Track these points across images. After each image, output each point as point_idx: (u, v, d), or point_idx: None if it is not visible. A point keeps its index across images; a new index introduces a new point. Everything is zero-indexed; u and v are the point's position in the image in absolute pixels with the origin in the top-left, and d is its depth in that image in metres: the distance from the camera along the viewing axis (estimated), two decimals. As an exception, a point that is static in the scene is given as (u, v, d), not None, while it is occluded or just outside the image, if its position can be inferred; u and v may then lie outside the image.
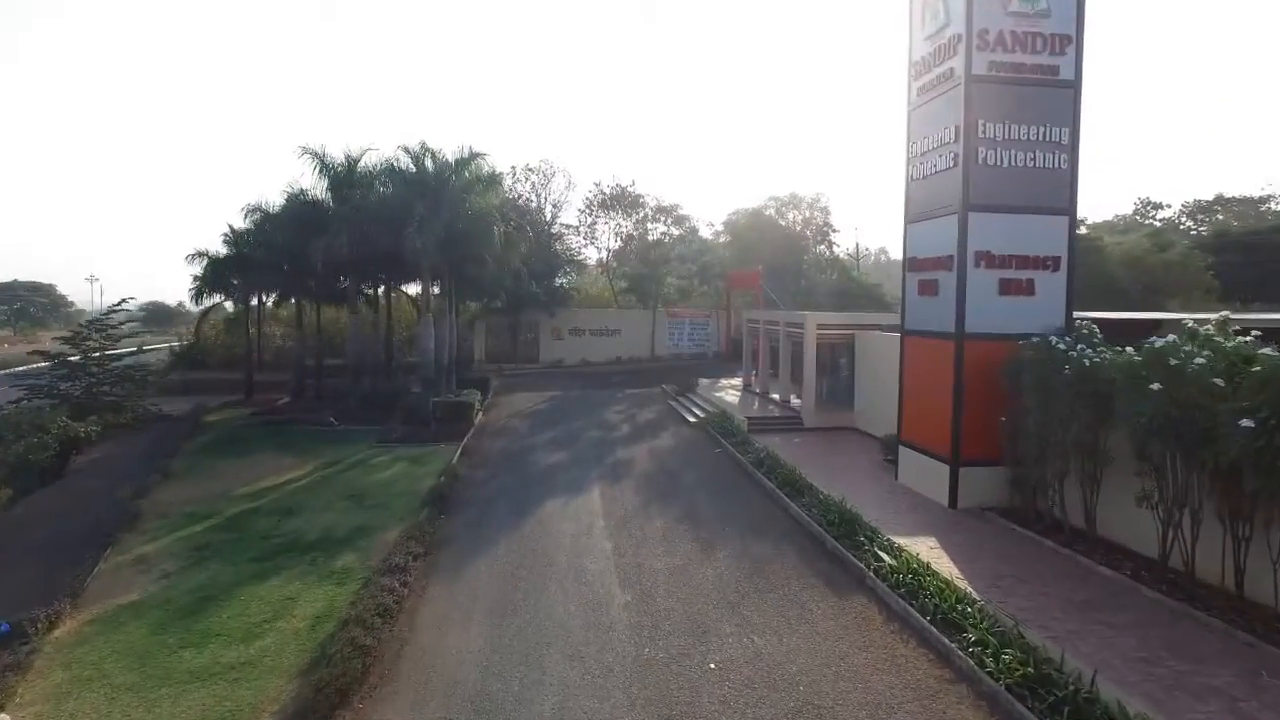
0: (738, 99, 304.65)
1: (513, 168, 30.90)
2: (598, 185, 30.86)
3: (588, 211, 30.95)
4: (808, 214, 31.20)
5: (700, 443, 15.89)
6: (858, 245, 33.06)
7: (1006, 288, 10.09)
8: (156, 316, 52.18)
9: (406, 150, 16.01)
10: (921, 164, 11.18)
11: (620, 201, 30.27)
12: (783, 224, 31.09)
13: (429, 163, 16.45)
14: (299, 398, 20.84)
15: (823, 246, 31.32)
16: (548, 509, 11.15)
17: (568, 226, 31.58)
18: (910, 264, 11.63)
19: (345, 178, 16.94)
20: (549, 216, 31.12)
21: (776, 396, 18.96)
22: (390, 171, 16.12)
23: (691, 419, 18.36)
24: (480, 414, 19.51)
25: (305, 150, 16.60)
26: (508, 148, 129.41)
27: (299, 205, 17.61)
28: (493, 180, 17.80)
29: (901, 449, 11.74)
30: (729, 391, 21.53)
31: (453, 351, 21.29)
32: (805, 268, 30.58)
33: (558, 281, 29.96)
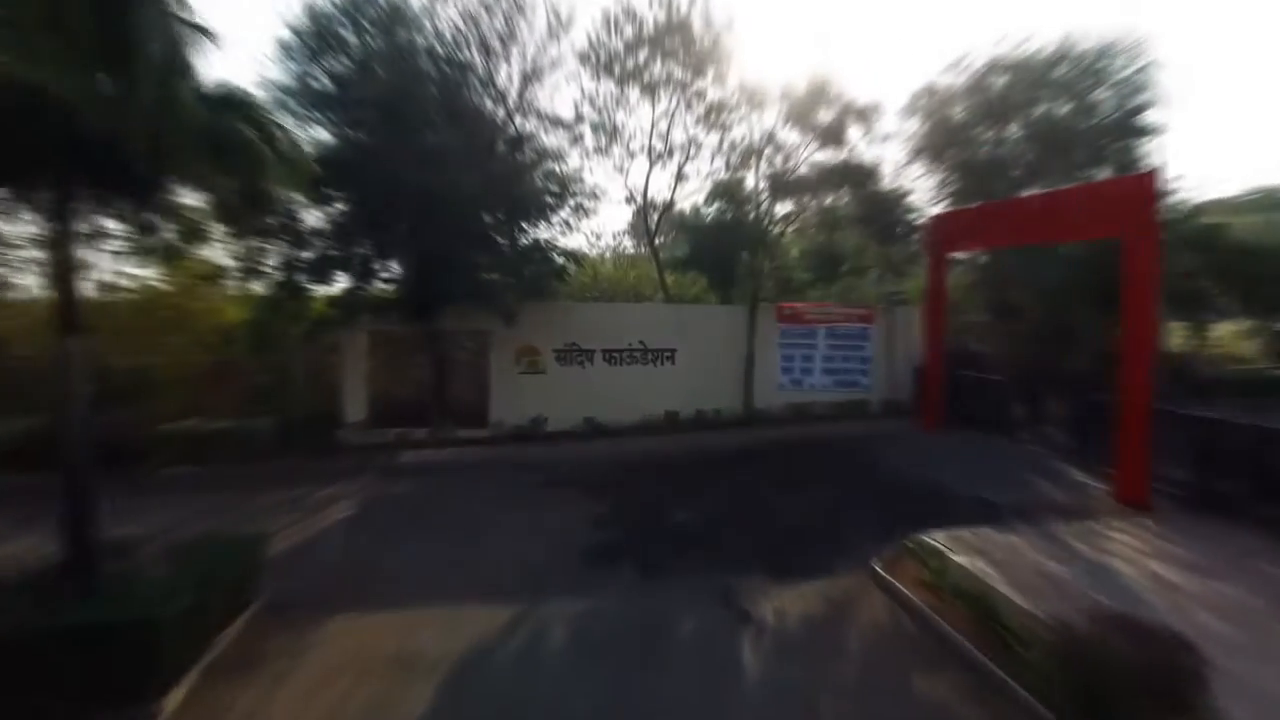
0: None
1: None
2: (621, 9, 13.54)
3: (599, 71, 13.40)
4: (1091, 88, 13.77)
5: None
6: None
7: None
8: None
9: None
10: None
11: (666, 52, 13.08)
12: (1038, 110, 13.84)
13: None
14: None
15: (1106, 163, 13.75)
16: None
17: (551, 121, 14.17)
18: None
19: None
20: (515, 91, 13.68)
21: None
22: None
23: None
24: None
25: None
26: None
27: None
28: None
29: None
30: None
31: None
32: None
33: (529, 237, 12.48)
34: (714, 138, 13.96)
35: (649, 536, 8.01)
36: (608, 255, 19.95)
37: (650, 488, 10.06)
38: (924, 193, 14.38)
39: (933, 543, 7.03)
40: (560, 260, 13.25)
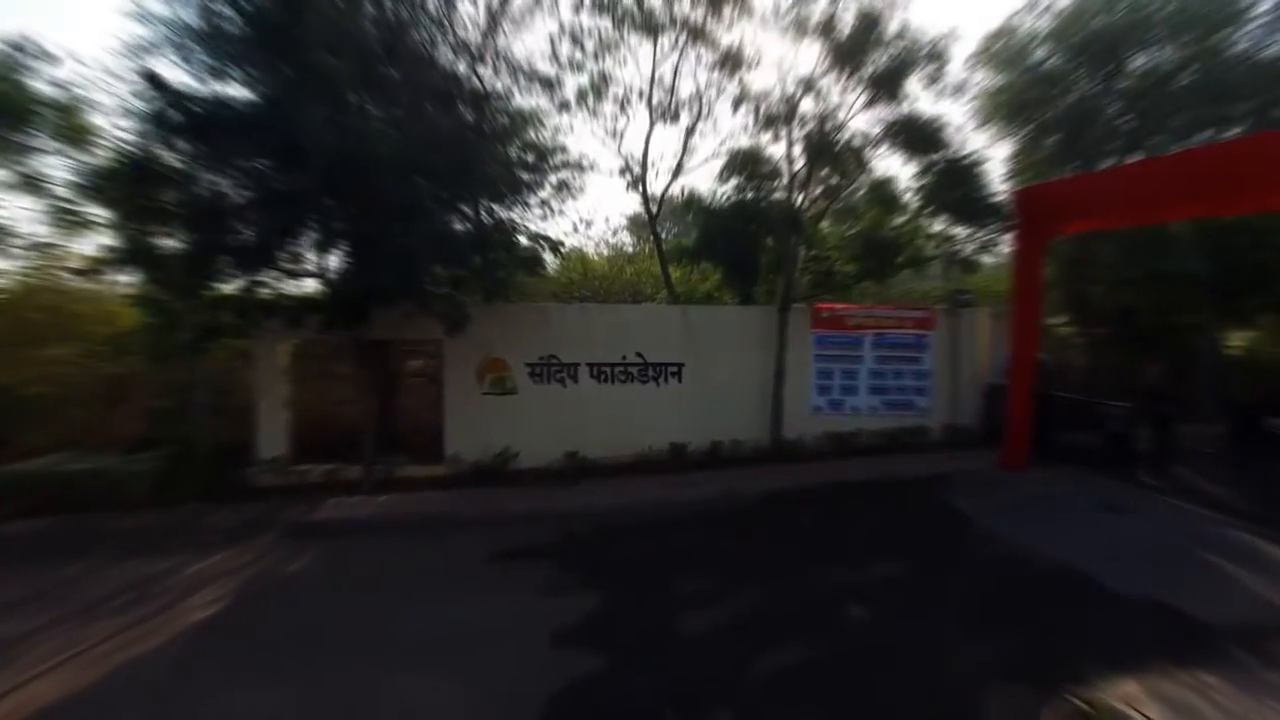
0: None
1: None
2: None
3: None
4: (1220, 25, 10.55)
5: None
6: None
7: None
8: None
9: None
10: None
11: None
12: (1146, 57, 10.74)
13: None
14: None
15: None
16: None
17: (526, 75, 11.21)
18: None
19: None
20: (480, 34, 10.82)
21: None
22: None
23: None
24: None
25: None
26: None
27: None
28: None
29: None
30: None
31: None
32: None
33: (494, 215, 9.61)
34: (733, 89, 10.92)
35: (652, 678, 4.99)
36: (603, 248, 16.94)
37: (651, 566, 7.05)
38: (995, 164, 11.42)
39: (1130, 713, 4.03)
40: (531, 245, 10.21)
